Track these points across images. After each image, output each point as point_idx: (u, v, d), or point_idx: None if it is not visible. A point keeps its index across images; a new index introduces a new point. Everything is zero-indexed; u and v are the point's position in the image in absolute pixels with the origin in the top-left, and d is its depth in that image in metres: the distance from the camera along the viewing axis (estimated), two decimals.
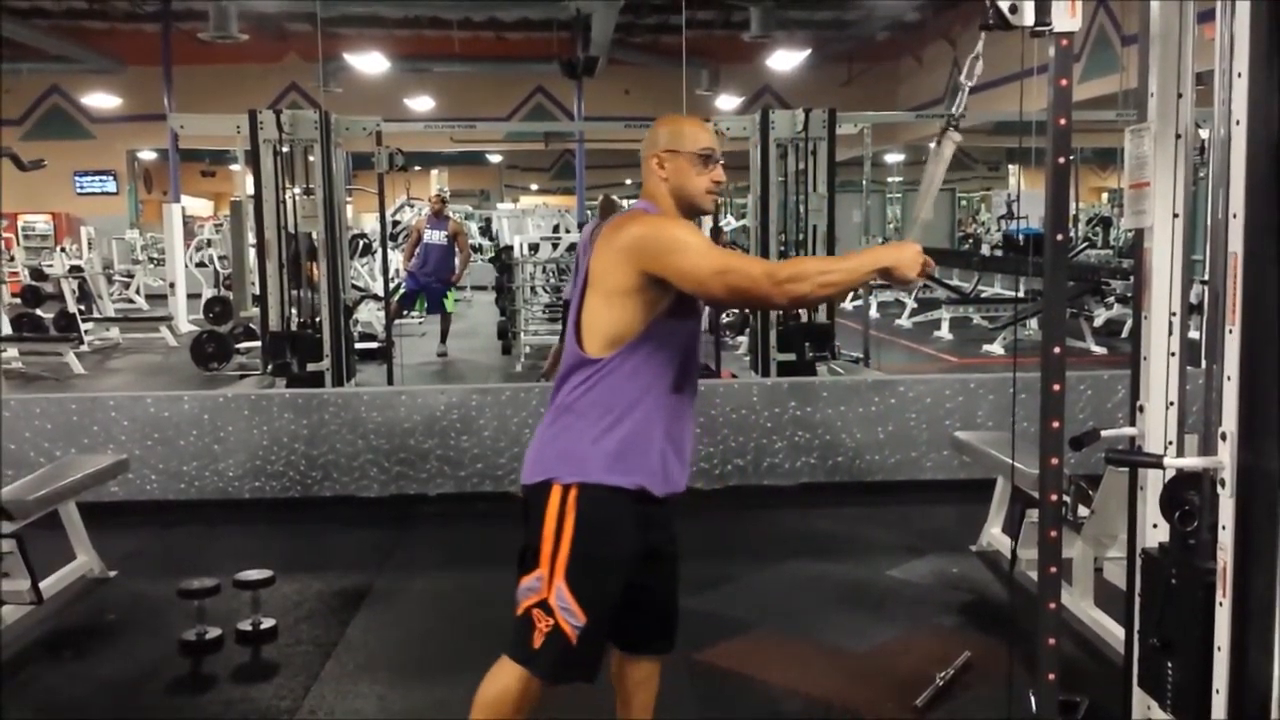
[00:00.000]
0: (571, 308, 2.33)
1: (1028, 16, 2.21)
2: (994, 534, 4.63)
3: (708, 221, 16.15)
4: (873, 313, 10.52)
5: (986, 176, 29.63)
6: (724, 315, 10.76)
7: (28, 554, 3.79)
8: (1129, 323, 8.15)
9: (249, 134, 7.06)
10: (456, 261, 10.89)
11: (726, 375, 7.72)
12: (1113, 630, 3.46)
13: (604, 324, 2.23)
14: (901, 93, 20.70)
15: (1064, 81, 2.26)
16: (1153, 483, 2.40)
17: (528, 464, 2.34)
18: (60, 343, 10.62)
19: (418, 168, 25.39)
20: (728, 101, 19.77)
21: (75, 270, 13.73)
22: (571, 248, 11.20)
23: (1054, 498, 2.34)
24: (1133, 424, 2.50)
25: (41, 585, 3.87)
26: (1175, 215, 2.38)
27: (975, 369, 9.43)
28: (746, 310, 9.07)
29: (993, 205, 25.96)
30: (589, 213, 23.25)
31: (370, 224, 16.29)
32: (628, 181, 30.73)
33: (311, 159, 7.28)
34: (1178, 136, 2.37)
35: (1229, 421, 2.09)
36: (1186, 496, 2.23)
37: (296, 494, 5.45)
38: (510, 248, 18.08)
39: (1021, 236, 16.87)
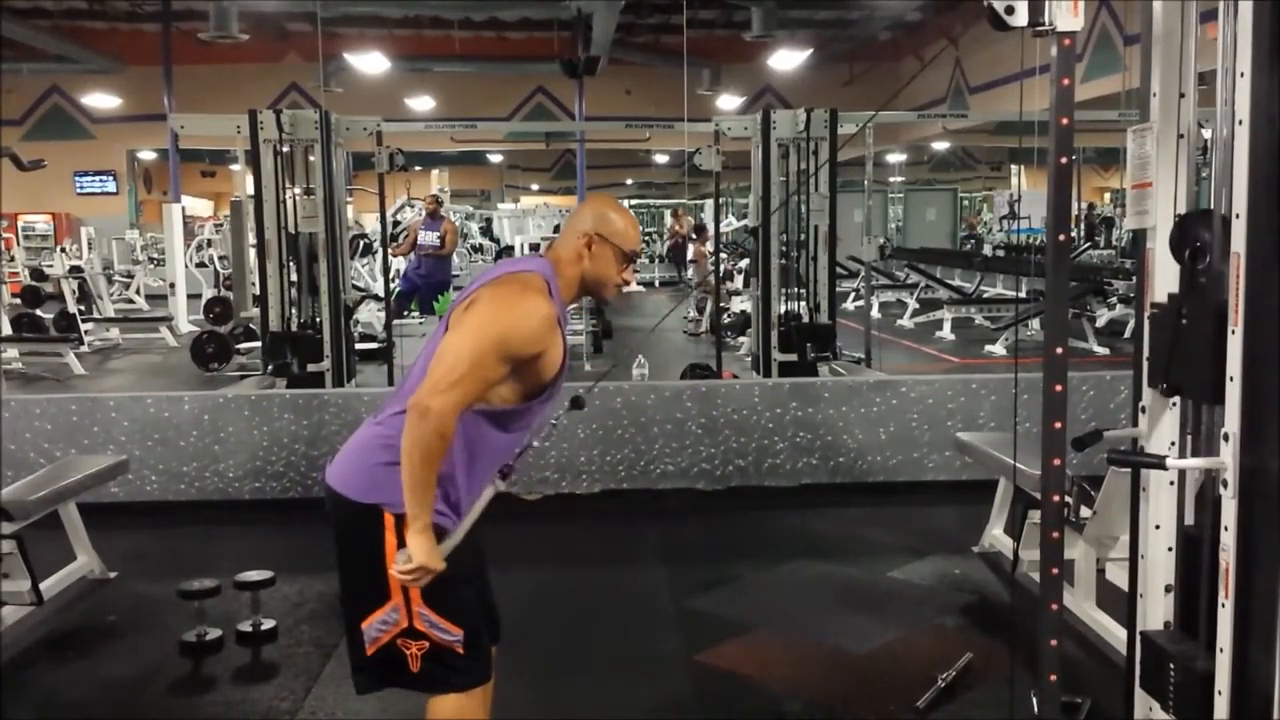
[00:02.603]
0: (436, 336, 2.27)
1: (1023, 17, 2.20)
2: (996, 535, 4.63)
3: (709, 223, 16.06)
4: (874, 313, 10.50)
5: (988, 177, 29.68)
6: (725, 315, 10.76)
7: (28, 555, 3.80)
8: (1131, 323, 8.14)
9: (249, 134, 7.06)
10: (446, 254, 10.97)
11: (728, 376, 7.72)
12: (1115, 631, 3.46)
13: None
14: (903, 92, 20.69)
15: (1066, 81, 2.25)
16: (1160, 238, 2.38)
17: (350, 473, 2.27)
18: (60, 343, 10.62)
19: (418, 168, 25.37)
20: (729, 101, 19.76)
21: (75, 270, 13.73)
22: None
23: (1056, 499, 2.33)
24: (1135, 424, 2.49)
25: (42, 586, 3.88)
26: (1178, 215, 2.37)
27: (977, 369, 9.42)
28: (746, 310, 9.06)
29: (995, 205, 25.98)
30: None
31: (371, 224, 16.30)
32: (628, 181, 30.81)
33: (312, 159, 7.28)
34: (1180, 136, 2.37)
35: (1232, 422, 2.09)
36: (1196, 233, 2.21)
37: (297, 494, 5.44)
38: (511, 248, 18.18)
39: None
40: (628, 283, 2.40)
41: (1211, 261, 2.19)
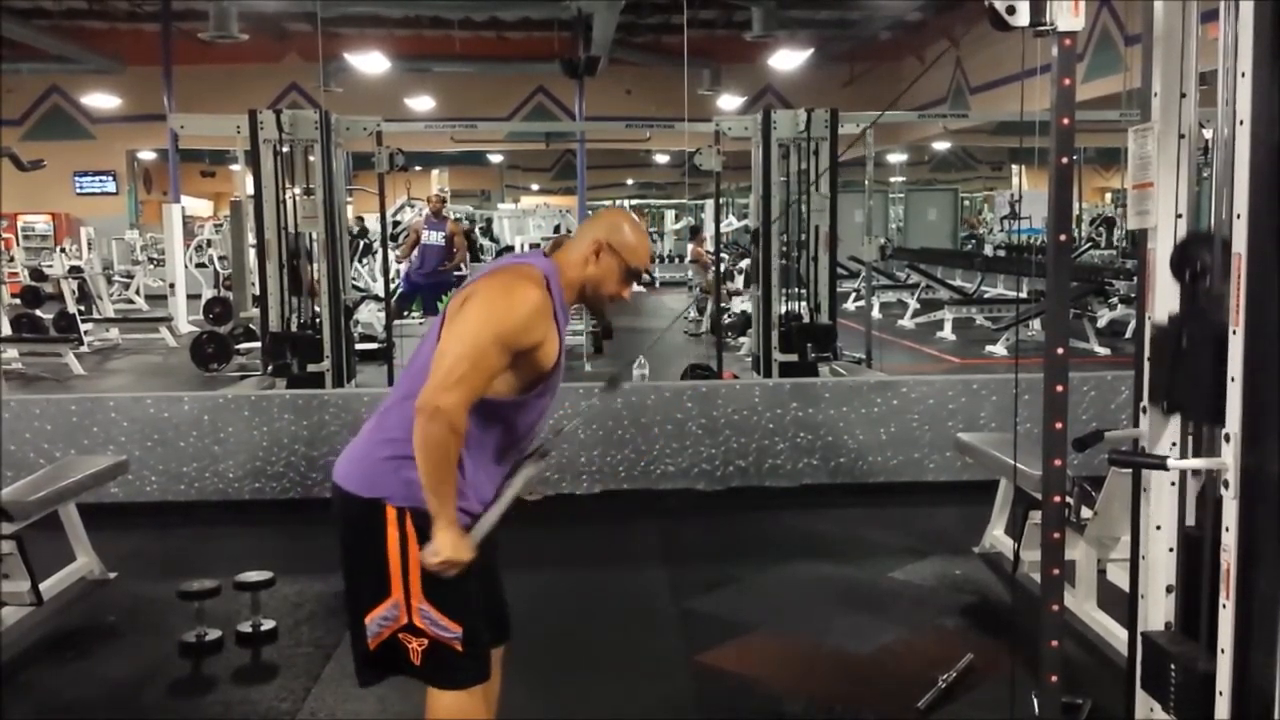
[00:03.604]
0: (436, 329, 2.28)
1: (1024, 17, 2.20)
2: (996, 535, 4.62)
3: (708, 222, 15.97)
4: (875, 313, 10.50)
5: (989, 177, 29.67)
6: (725, 315, 10.75)
7: (28, 555, 3.79)
8: (1132, 323, 8.13)
9: (249, 134, 7.06)
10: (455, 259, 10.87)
11: (728, 376, 7.71)
12: (1116, 632, 3.45)
13: None
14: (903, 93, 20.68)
15: (1067, 81, 2.25)
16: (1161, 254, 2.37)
17: (353, 469, 2.29)
18: (60, 343, 10.62)
19: (418, 168, 25.37)
20: (729, 101, 19.76)
21: (75, 271, 13.74)
22: None
23: (1057, 499, 2.33)
24: (1136, 425, 2.48)
25: (41, 587, 3.87)
26: (1179, 216, 2.37)
27: (978, 370, 9.42)
28: (746, 311, 9.07)
29: (995, 205, 25.98)
30: (590, 213, 23.27)
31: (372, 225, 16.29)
32: (629, 181, 30.81)
33: (312, 159, 7.28)
34: (1181, 137, 2.36)
35: (1233, 423, 2.08)
36: (1197, 255, 2.22)
37: (297, 495, 5.44)
38: (511, 247, 18.16)
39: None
40: (624, 299, 2.41)
41: (1212, 283, 2.20)
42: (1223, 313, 2.11)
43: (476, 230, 20.83)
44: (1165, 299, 2.37)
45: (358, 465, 2.30)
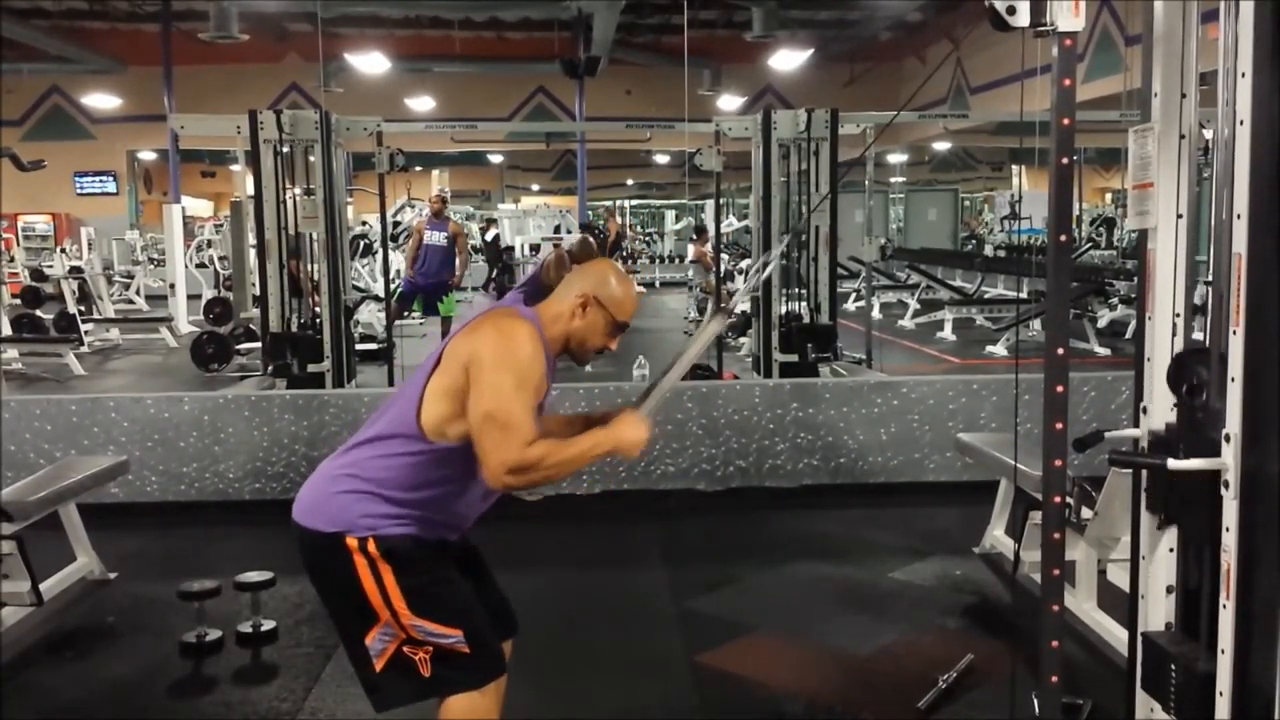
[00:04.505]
0: (424, 368, 2.26)
1: (1025, 18, 2.20)
2: (997, 536, 4.62)
3: (709, 224, 15.96)
4: (875, 314, 10.50)
5: (989, 177, 29.64)
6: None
7: (28, 555, 3.79)
8: (1133, 324, 8.14)
9: (249, 134, 7.06)
10: (456, 263, 10.84)
11: (729, 376, 7.71)
12: (1116, 632, 3.45)
13: (439, 413, 2.20)
14: (904, 93, 20.66)
15: (1067, 81, 2.25)
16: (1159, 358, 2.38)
17: (311, 506, 2.30)
18: (60, 344, 10.62)
19: (418, 168, 25.38)
20: (730, 101, 19.76)
21: (75, 271, 13.75)
22: None
23: (1057, 499, 2.33)
24: (1136, 425, 2.48)
25: (42, 587, 3.87)
26: (1179, 216, 2.37)
27: (978, 370, 9.42)
28: (747, 311, 9.06)
29: (995, 206, 25.97)
30: (590, 214, 23.27)
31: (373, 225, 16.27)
32: (629, 182, 30.79)
33: (312, 159, 7.27)
34: (1181, 137, 2.36)
35: (1233, 423, 2.08)
36: (1194, 369, 2.23)
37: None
38: (511, 248, 18.16)
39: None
40: (610, 350, 2.40)
41: (1208, 399, 2.21)
42: (1218, 428, 2.13)
43: (475, 230, 20.78)
44: (1161, 407, 2.38)
45: (317, 501, 2.30)
